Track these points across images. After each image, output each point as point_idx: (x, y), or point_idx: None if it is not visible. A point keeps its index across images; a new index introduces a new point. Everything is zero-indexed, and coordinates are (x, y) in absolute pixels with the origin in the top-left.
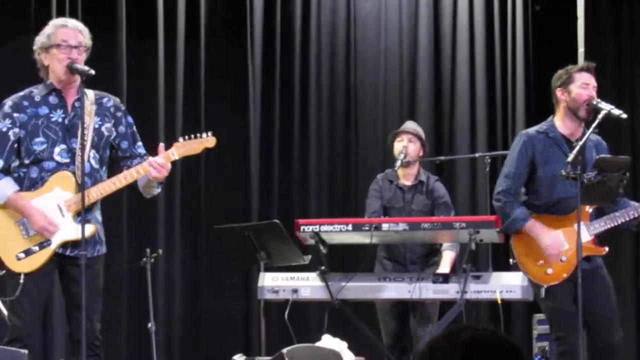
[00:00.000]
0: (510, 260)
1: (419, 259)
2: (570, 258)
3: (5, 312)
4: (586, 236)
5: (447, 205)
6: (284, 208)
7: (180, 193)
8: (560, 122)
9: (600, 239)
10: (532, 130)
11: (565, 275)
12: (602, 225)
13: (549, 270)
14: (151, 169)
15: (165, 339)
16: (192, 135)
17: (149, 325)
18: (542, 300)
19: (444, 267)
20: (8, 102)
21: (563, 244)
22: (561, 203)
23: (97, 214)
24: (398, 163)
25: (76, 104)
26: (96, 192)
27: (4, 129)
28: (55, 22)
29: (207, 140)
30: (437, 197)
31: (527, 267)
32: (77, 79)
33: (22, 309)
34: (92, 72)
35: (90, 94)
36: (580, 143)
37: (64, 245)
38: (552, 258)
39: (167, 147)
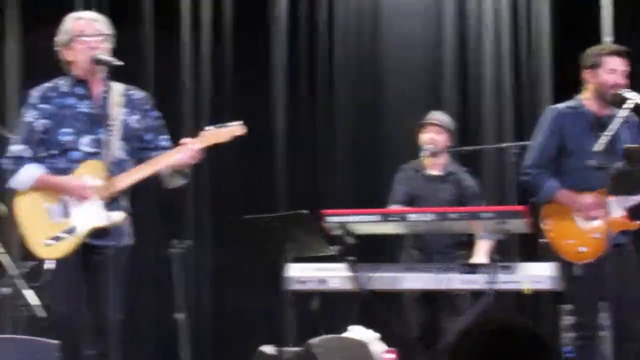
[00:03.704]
0: (541, 241)
1: (444, 249)
2: (604, 233)
3: (36, 302)
4: (619, 211)
5: (478, 196)
6: (311, 198)
7: (208, 184)
8: (589, 101)
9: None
10: (561, 105)
11: (600, 253)
12: (635, 199)
13: (582, 249)
14: (179, 156)
15: (193, 329)
16: (220, 125)
17: (177, 315)
18: (571, 280)
19: (479, 255)
20: (35, 93)
21: (599, 207)
22: (589, 180)
23: (126, 204)
24: (423, 154)
25: (103, 95)
26: (125, 181)
27: (32, 120)
28: (70, 17)
29: (236, 129)
30: (467, 187)
31: (559, 245)
32: (103, 70)
33: (54, 296)
34: (118, 62)
35: (119, 86)
36: (610, 133)
37: (90, 234)
38: (593, 214)
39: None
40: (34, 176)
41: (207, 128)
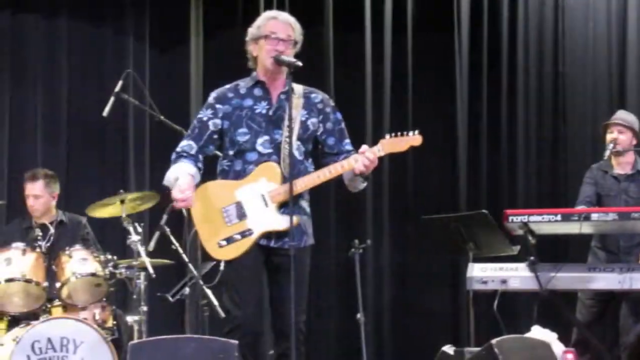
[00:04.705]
0: None
1: (633, 248)
2: None
3: (215, 302)
4: None
5: None
6: (492, 198)
7: (388, 183)
8: None
9: None
10: None
11: None
12: None
13: None
14: (357, 164)
15: (374, 329)
16: (399, 133)
17: (358, 315)
18: None
19: None
20: (213, 94)
21: None
22: None
23: (305, 205)
24: (607, 153)
25: (282, 96)
26: (300, 185)
27: (205, 118)
28: (266, 14)
29: (414, 139)
30: None
31: None
32: (284, 71)
33: (233, 300)
34: (299, 63)
35: (299, 87)
36: None
37: (268, 236)
38: None
39: (374, 142)
40: (171, 178)
41: (386, 136)
